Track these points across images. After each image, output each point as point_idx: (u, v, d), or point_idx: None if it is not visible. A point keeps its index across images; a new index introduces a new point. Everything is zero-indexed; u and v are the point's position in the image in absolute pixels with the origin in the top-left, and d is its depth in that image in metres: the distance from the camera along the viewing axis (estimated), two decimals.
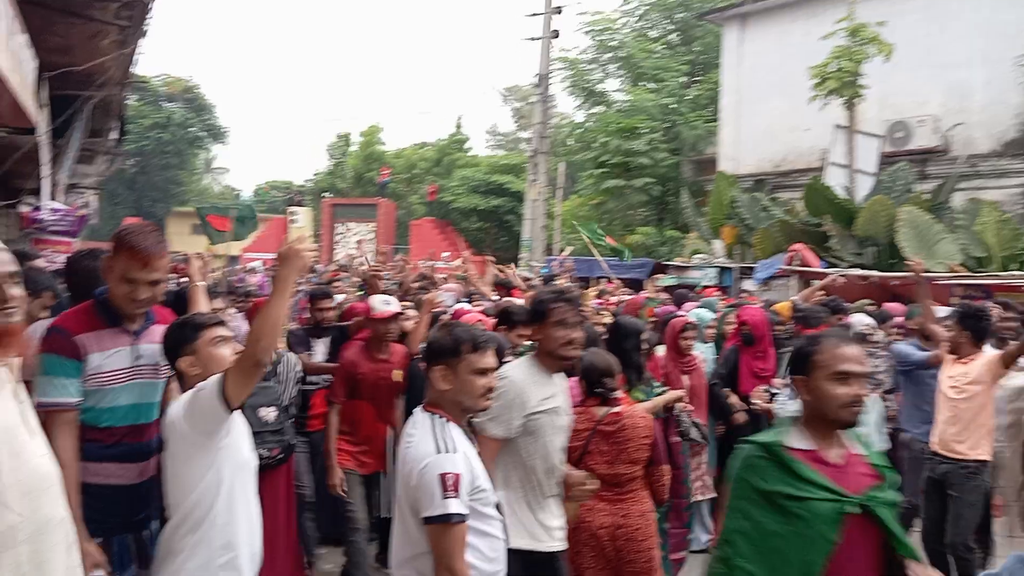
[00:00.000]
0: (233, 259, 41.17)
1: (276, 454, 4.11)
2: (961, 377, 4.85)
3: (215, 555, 2.52)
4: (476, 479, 2.48)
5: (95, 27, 5.69)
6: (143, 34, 6.34)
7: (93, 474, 2.73)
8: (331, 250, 32.84)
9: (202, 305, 3.46)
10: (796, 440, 2.36)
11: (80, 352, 2.67)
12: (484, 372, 2.56)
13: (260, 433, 3.80)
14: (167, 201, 47.18)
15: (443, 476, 2.35)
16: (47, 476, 2.00)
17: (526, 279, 12.10)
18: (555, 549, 3.20)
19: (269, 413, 4.14)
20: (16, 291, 2.38)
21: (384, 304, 4.75)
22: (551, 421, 3.18)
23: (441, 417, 2.53)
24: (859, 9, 14.60)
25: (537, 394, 3.13)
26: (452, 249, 29.13)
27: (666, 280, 13.61)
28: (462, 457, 2.44)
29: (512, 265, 18.38)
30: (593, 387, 3.65)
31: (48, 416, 2.50)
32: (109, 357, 2.73)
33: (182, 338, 2.69)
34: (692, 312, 6.82)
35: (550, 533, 3.19)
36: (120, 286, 2.70)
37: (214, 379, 2.48)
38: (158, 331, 2.80)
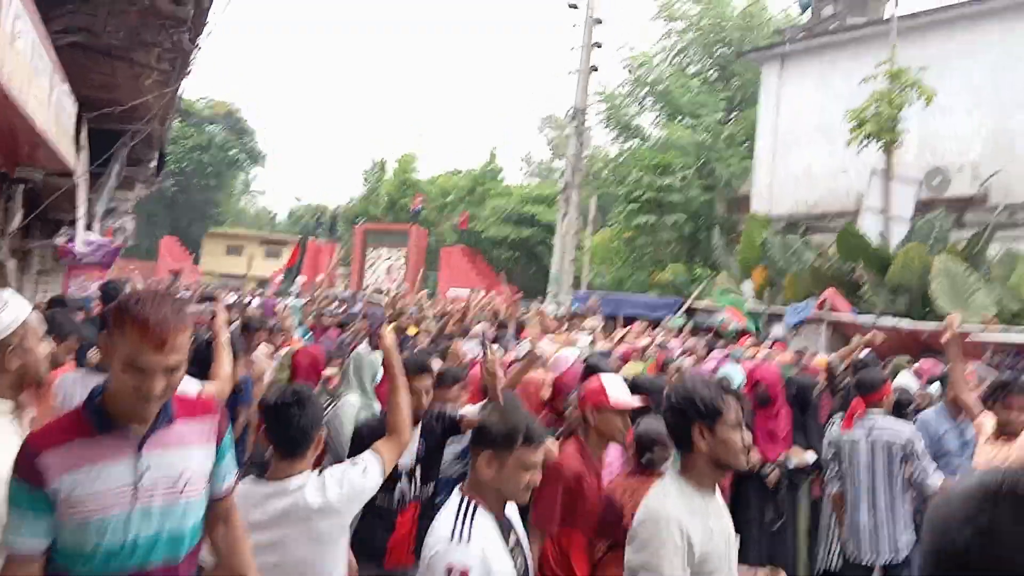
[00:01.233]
0: (263, 282, 41.70)
1: None
2: (1002, 459, 4.25)
3: None
4: None
5: (138, 69, 5.82)
6: (187, 74, 6.48)
7: None
8: (361, 275, 33.09)
9: (225, 364, 3.41)
10: None
11: (41, 477, 1.89)
12: (531, 467, 2.45)
13: None
14: (203, 221, 47.99)
15: (449, 568, 2.20)
16: None
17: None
18: None
19: None
20: (44, 348, 2.46)
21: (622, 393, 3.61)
22: (724, 554, 2.43)
23: (472, 501, 2.39)
24: (902, 52, 14.50)
25: (700, 526, 2.34)
26: (481, 277, 29.22)
27: (676, 321, 13.35)
28: (477, 550, 2.25)
29: (541, 300, 18.35)
30: (643, 456, 3.49)
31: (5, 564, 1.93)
32: (95, 476, 1.94)
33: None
34: (721, 370, 6.48)
35: None
36: (124, 376, 1.92)
37: (374, 461, 2.63)
38: (177, 432, 2.07)
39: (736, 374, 6.27)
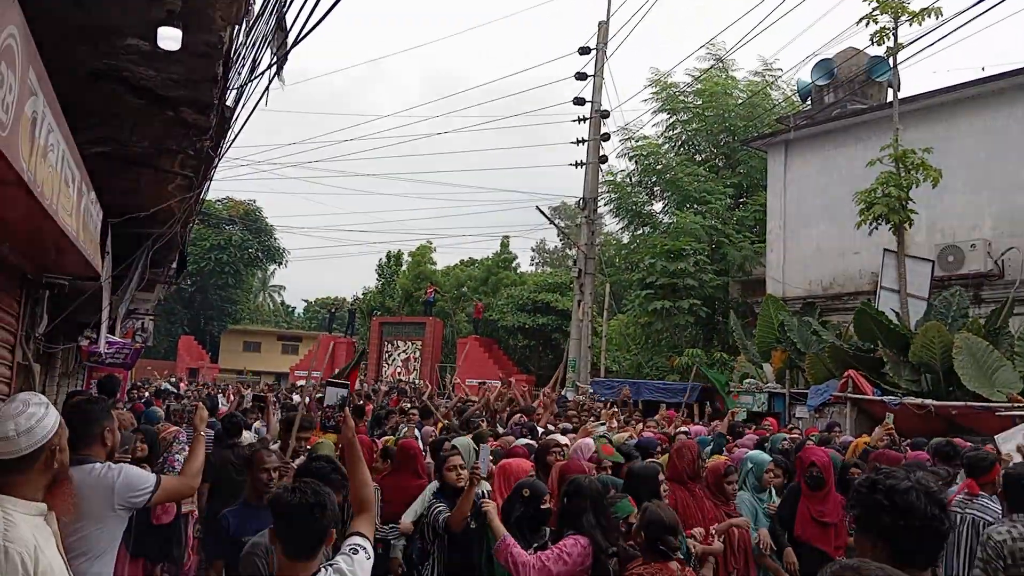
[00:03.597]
0: (281, 376, 41.64)
1: None
2: None
3: None
4: None
5: (162, 175, 6.01)
6: (209, 180, 6.68)
7: None
8: (379, 368, 33.07)
9: (198, 459, 3.58)
10: None
11: None
12: None
13: None
14: (222, 319, 48.41)
15: None
16: None
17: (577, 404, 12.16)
18: None
19: None
20: (65, 457, 2.53)
21: None
22: None
23: None
24: (908, 134, 14.75)
25: None
26: (498, 367, 29.10)
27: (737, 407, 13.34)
28: None
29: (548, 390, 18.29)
30: (653, 542, 3.48)
31: None
32: None
33: None
34: (750, 454, 6.42)
35: None
36: None
37: (366, 543, 2.72)
38: None
39: (763, 457, 6.28)
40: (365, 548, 2.69)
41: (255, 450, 4.74)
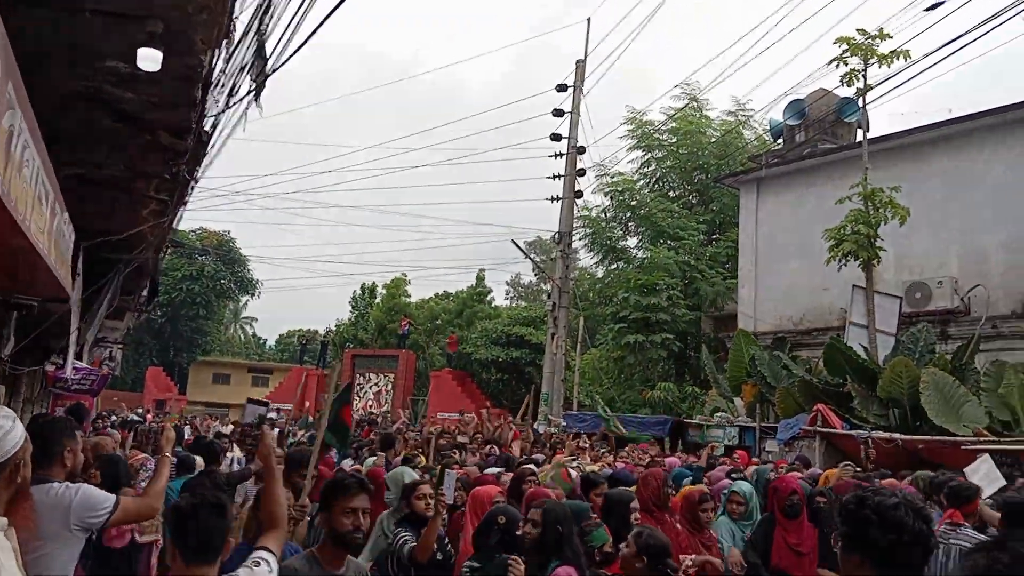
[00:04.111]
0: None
1: None
2: None
3: None
4: None
5: (136, 198, 5.99)
6: (184, 205, 6.66)
7: None
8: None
9: (162, 480, 3.60)
10: None
11: None
12: None
13: None
14: (192, 351, 47.80)
15: None
16: None
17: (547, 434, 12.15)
18: None
19: None
20: (28, 472, 2.52)
21: None
22: None
23: None
24: (876, 173, 15.06)
25: None
26: (470, 400, 28.95)
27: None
28: None
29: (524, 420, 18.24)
30: (656, 567, 3.50)
31: None
32: None
33: None
34: (736, 484, 6.43)
35: None
36: None
37: (272, 558, 2.73)
38: None
39: (746, 486, 6.32)
40: (268, 562, 2.70)
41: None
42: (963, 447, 10.66)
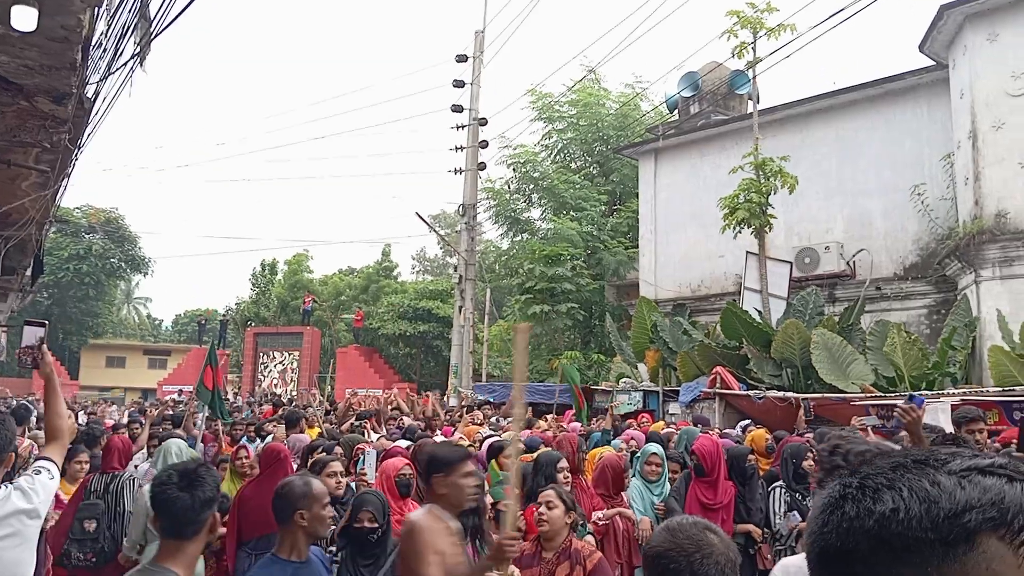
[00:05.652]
0: (148, 392, 39.64)
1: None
2: None
3: None
4: None
5: (15, 170, 5.65)
6: (66, 176, 6.33)
7: None
8: (254, 380, 32.04)
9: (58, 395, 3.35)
10: None
11: None
12: None
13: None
14: (82, 334, 45.66)
15: None
16: None
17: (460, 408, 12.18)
18: None
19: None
20: None
21: None
22: None
23: None
24: (768, 143, 15.60)
25: None
26: (378, 375, 28.75)
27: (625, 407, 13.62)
28: None
29: (435, 393, 18.31)
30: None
31: None
32: None
33: None
34: (648, 446, 6.63)
35: None
36: None
37: (53, 466, 2.87)
38: None
39: (655, 448, 6.53)
40: (49, 470, 2.85)
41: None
42: (852, 403, 11.28)
